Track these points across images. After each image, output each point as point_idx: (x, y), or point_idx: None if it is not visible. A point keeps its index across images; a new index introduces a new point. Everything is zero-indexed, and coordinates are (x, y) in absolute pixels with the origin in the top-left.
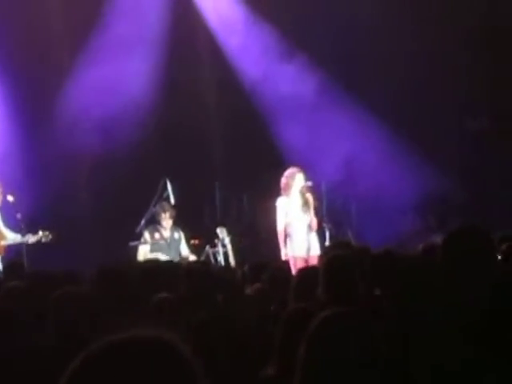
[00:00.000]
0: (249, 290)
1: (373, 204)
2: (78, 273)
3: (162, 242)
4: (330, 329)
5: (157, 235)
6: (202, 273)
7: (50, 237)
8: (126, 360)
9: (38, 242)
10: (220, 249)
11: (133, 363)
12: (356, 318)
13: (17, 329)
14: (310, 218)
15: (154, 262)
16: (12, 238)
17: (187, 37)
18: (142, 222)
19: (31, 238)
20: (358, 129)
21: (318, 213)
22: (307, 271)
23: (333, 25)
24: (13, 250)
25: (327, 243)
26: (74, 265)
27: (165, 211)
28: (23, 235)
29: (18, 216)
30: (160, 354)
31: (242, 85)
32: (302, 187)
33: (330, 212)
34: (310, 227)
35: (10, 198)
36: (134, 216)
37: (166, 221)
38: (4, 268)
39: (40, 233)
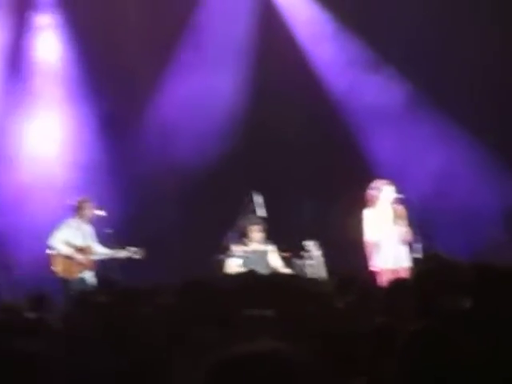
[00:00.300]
0: (339, 303)
1: (462, 215)
2: (164, 287)
3: (251, 256)
4: (421, 343)
5: (244, 248)
6: (292, 286)
7: (139, 253)
8: (251, 372)
9: (128, 258)
10: (308, 261)
11: (257, 376)
12: (446, 332)
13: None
14: (402, 230)
15: (247, 275)
16: (102, 252)
17: (274, 49)
18: (230, 234)
19: (121, 253)
20: (444, 139)
21: (408, 225)
22: (397, 283)
23: (419, 35)
24: (104, 265)
25: (417, 255)
26: (161, 278)
27: (253, 224)
28: (113, 250)
29: (108, 231)
30: (282, 368)
31: (328, 96)
32: (393, 199)
33: (419, 224)
34: (401, 239)
35: (100, 213)
36: (222, 229)
37: (255, 234)
38: (97, 282)
39: (130, 248)
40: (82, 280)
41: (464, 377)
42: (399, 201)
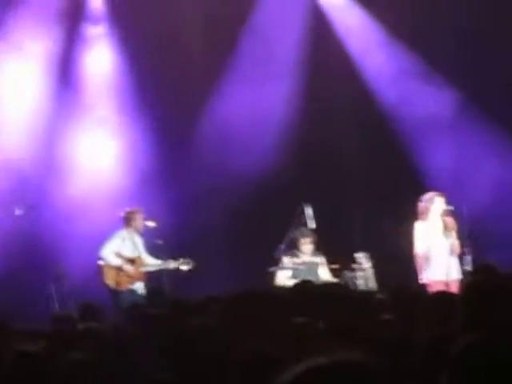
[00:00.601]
0: (388, 315)
1: None
2: (216, 299)
3: (301, 267)
4: (473, 356)
5: (296, 260)
6: (343, 296)
7: (191, 264)
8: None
9: (178, 269)
10: (359, 273)
11: None
12: (497, 345)
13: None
14: (452, 242)
15: (299, 285)
16: (152, 263)
17: (325, 59)
18: (282, 247)
19: (172, 264)
20: (497, 149)
21: (459, 237)
22: (446, 295)
23: (467, 42)
24: (154, 276)
25: (468, 268)
26: (212, 291)
27: (304, 236)
28: (164, 261)
29: (159, 242)
30: (368, 378)
31: (379, 107)
32: (443, 211)
33: (471, 236)
34: (452, 251)
35: (151, 224)
36: (274, 241)
37: (306, 246)
38: (148, 294)
39: (181, 259)
40: (133, 291)
41: None
42: (449, 212)
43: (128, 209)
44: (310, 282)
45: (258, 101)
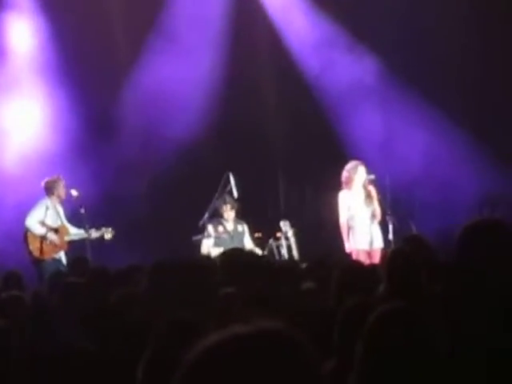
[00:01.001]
0: (311, 284)
1: (437, 198)
2: (139, 269)
3: (225, 236)
4: (388, 325)
5: (220, 228)
6: (264, 265)
7: (113, 233)
8: (255, 352)
9: (101, 238)
10: (283, 242)
11: (261, 356)
12: (415, 314)
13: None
14: (374, 209)
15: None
16: (75, 233)
17: (246, 30)
18: (206, 215)
19: (94, 234)
20: (420, 120)
21: (381, 206)
22: (365, 266)
23: (394, 13)
24: (76, 245)
25: (390, 237)
26: (136, 260)
27: (227, 204)
28: (86, 231)
29: (82, 211)
30: (289, 347)
31: (302, 77)
32: (365, 180)
33: (393, 205)
34: (373, 218)
35: (74, 193)
36: (198, 210)
37: (228, 214)
38: (68, 263)
39: (103, 229)
40: (57, 261)
41: (429, 360)
42: (371, 182)
43: (48, 178)
44: (238, 250)
45: (180, 72)
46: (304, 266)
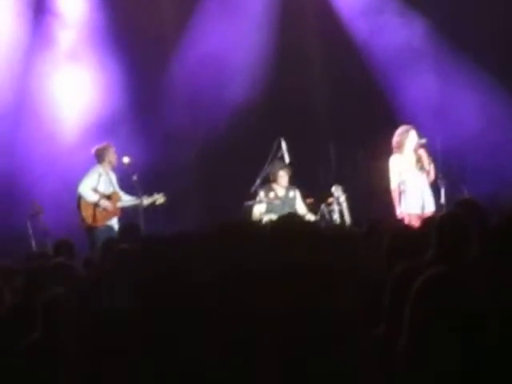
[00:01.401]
0: (365, 248)
1: (490, 163)
2: (193, 234)
3: (276, 202)
4: (432, 289)
5: (272, 194)
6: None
7: (165, 198)
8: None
9: (153, 204)
10: (335, 207)
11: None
12: (459, 278)
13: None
14: (426, 170)
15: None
16: (127, 199)
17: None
18: (258, 181)
19: (146, 200)
20: (472, 84)
21: (432, 170)
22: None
23: None
24: (129, 213)
25: (442, 201)
26: (190, 226)
27: (280, 170)
28: (138, 197)
29: (134, 178)
30: None
31: (351, 42)
32: (416, 144)
33: (445, 170)
34: (425, 181)
35: (126, 160)
36: (249, 176)
37: (281, 179)
38: (120, 230)
39: (155, 195)
40: (109, 228)
41: (474, 323)
42: (423, 145)
43: (98, 145)
44: (290, 217)
45: (230, 39)
46: (356, 230)
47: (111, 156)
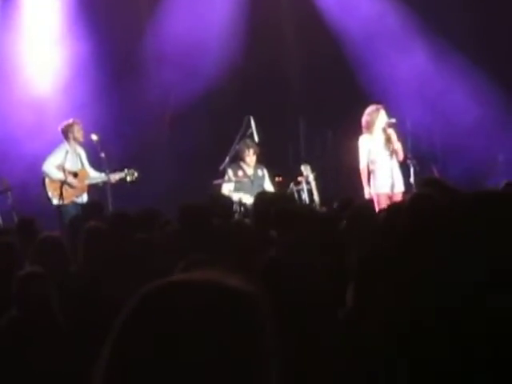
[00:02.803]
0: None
1: (459, 142)
2: (159, 212)
3: (245, 180)
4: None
5: (240, 173)
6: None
7: (136, 175)
8: (182, 300)
9: (123, 180)
10: (304, 186)
11: (189, 304)
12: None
13: None
14: (395, 149)
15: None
16: (95, 176)
17: None
18: (226, 159)
19: (115, 176)
20: (443, 65)
21: (400, 149)
22: (394, 207)
23: None
24: (98, 189)
25: (412, 180)
26: (158, 205)
27: (249, 148)
28: (106, 174)
29: (102, 155)
30: (221, 299)
31: (324, 19)
32: (385, 124)
33: (414, 149)
34: (394, 160)
35: (94, 137)
36: (218, 155)
37: (250, 158)
38: (83, 207)
39: (125, 170)
40: (77, 205)
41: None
42: (391, 125)
43: (65, 122)
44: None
45: (201, 16)
46: (327, 209)
47: (76, 133)
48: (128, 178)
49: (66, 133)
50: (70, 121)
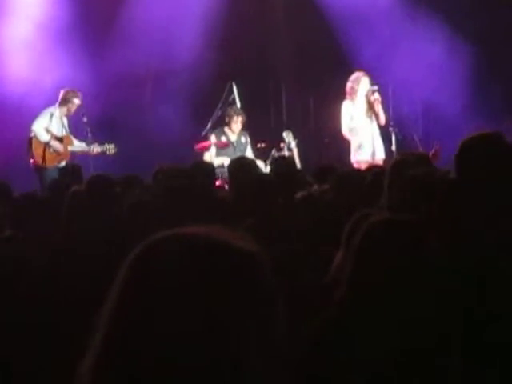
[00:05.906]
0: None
1: (440, 109)
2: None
3: (227, 146)
4: (377, 236)
5: (223, 139)
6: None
7: (116, 150)
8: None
9: (103, 153)
10: (286, 152)
11: (191, 256)
12: (409, 226)
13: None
14: (377, 115)
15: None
16: (78, 145)
17: None
18: (209, 125)
19: (96, 148)
20: (427, 34)
21: (382, 116)
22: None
23: None
24: (78, 158)
25: (393, 148)
26: (140, 171)
27: (237, 115)
28: (88, 145)
29: (85, 119)
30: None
31: None
32: (368, 91)
33: (396, 116)
34: (377, 128)
35: (85, 120)
36: (201, 120)
37: (236, 125)
38: (61, 171)
39: (106, 145)
40: (59, 169)
41: (424, 274)
42: (374, 92)
43: (69, 89)
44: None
45: None
46: (308, 175)
47: (74, 106)
48: (108, 152)
49: (64, 99)
50: (76, 91)
